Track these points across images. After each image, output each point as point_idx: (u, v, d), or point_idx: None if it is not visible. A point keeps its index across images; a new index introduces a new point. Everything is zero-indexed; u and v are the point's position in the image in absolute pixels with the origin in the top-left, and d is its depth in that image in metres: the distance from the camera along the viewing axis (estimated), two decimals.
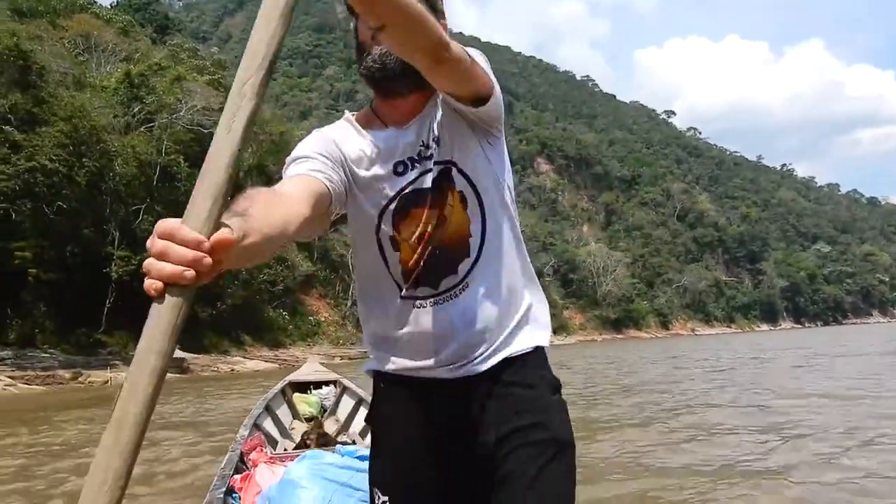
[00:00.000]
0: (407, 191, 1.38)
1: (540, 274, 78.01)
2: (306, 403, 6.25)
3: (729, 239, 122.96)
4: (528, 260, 1.49)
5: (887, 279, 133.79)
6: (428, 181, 1.38)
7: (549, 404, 1.39)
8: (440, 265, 1.37)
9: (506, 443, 1.33)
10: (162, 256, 0.75)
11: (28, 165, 21.97)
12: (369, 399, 1.63)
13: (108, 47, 38.45)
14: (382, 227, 1.39)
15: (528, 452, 1.32)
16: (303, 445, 4.76)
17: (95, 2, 50.96)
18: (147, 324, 0.76)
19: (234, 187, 0.86)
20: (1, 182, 21.36)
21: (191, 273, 0.75)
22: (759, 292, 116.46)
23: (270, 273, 37.13)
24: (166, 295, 0.75)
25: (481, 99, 1.31)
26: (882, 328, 74.22)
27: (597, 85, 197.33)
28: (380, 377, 1.48)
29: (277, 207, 1.04)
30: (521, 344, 1.41)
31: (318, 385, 6.78)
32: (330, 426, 5.61)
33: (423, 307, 1.38)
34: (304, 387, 6.73)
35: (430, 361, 1.38)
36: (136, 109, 32.02)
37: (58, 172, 23.04)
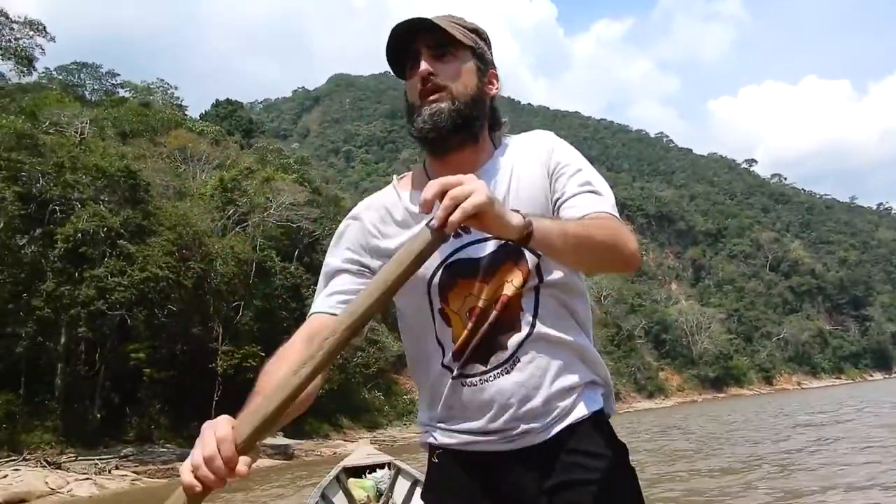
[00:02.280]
0: (452, 259, 1.30)
1: (631, 336, 76.53)
2: (361, 488, 6.26)
3: (828, 286, 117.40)
4: (588, 325, 1.39)
5: None
6: (480, 251, 1.29)
7: (613, 472, 1.30)
8: (490, 341, 1.28)
9: None
10: (210, 462, 0.91)
11: (142, 276, 23.99)
12: (424, 479, 1.56)
13: (202, 157, 41.55)
14: (432, 300, 1.31)
15: None
16: None
17: (187, 116, 55.49)
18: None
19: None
20: (119, 293, 23.37)
21: (218, 485, 0.92)
22: (867, 339, 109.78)
23: (363, 356, 38.15)
24: (199, 490, 0.91)
25: None
26: None
27: (672, 141, 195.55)
28: (433, 450, 1.39)
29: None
30: (581, 411, 1.31)
31: (372, 469, 6.77)
32: None
33: (474, 385, 1.29)
34: (358, 471, 6.74)
35: (483, 437, 1.30)
36: (231, 212, 34.16)
37: (167, 279, 25.00)
